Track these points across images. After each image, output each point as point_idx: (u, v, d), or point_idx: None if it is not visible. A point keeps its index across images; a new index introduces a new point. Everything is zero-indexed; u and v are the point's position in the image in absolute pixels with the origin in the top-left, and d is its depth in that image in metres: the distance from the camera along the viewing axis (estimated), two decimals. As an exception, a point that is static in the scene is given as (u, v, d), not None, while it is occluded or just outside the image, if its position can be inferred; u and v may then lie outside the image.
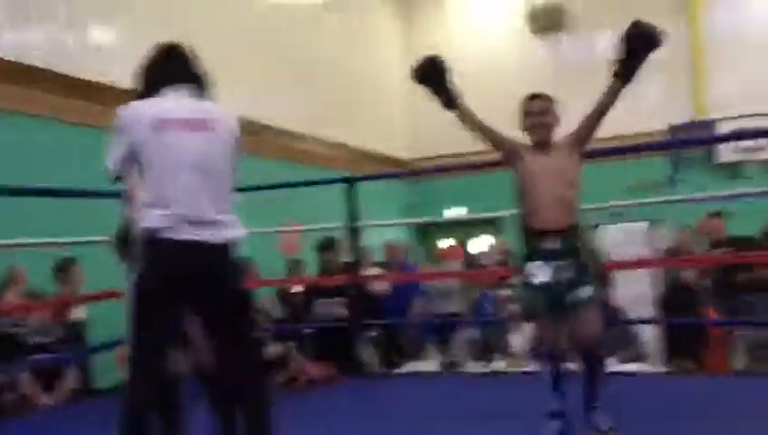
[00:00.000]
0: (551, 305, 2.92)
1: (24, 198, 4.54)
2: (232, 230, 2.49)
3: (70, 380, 4.88)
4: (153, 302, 2.40)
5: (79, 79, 6.17)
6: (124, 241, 2.88)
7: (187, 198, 2.40)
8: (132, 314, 2.42)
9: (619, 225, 7.15)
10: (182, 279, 2.41)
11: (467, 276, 6.61)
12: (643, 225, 6.58)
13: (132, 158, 2.46)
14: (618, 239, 6.56)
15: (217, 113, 2.55)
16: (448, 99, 3.21)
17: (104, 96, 6.27)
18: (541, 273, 2.91)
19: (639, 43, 3.02)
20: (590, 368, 2.95)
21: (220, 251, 2.46)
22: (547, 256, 2.91)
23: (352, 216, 4.72)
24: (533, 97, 3.14)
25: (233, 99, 8.07)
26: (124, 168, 2.52)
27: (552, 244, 2.91)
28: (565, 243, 2.90)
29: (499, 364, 4.93)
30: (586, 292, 2.87)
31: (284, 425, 3.55)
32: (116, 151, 2.48)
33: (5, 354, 4.52)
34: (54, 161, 5.58)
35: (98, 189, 4.50)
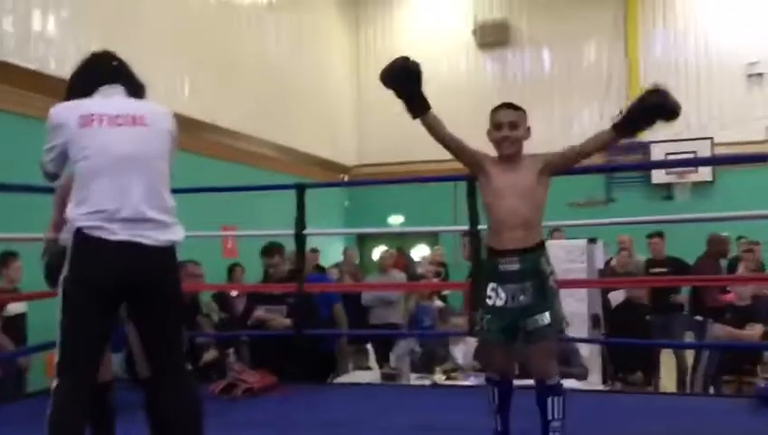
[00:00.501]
0: (504, 330, 2.75)
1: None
2: (172, 231, 2.40)
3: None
4: (82, 305, 2.30)
5: (18, 67, 5.97)
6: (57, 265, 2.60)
7: (117, 194, 2.31)
8: (60, 318, 2.32)
9: (559, 241, 7.29)
10: (116, 282, 2.31)
11: (414, 287, 6.63)
12: (581, 242, 6.72)
13: (64, 157, 2.39)
14: (558, 256, 6.68)
15: (150, 109, 2.49)
16: (419, 105, 3.01)
17: (44, 85, 6.08)
18: (496, 295, 2.74)
19: (654, 111, 2.83)
20: (543, 396, 2.73)
21: (161, 254, 2.37)
22: (504, 278, 2.74)
23: (300, 223, 4.66)
24: (504, 107, 2.94)
25: (174, 95, 8.01)
26: (57, 167, 2.46)
27: (509, 265, 2.73)
28: (524, 264, 2.71)
29: (439, 377, 4.94)
30: (543, 319, 2.68)
31: (220, 433, 3.49)
32: (48, 151, 2.41)
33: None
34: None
35: (40, 184, 4.36)
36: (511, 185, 2.81)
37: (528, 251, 2.73)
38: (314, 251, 6.41)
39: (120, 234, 2.28)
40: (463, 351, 5.32)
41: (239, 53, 9.23)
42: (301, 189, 4.67)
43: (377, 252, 11.12)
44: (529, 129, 2.92)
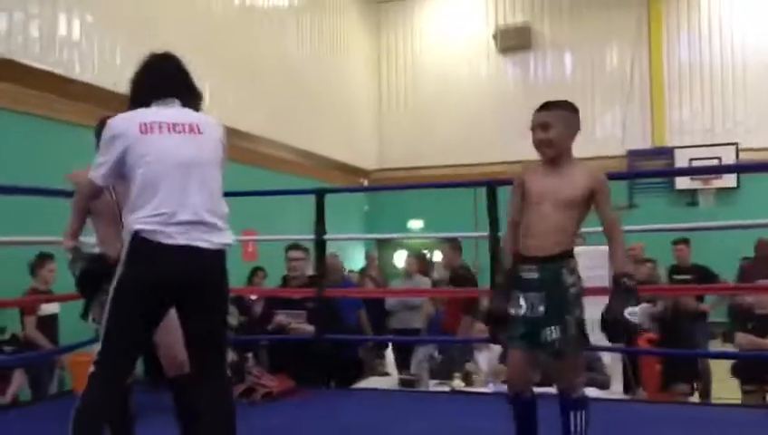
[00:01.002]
0: (524, 337, 2.63)
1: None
2: (225, 235, 2.46)
3: (17, 382, 4.73)
4: (132, 306, 2.33)
5: (43, 71, 6.05)
6: (94, 275, 2.68)
7: (176, 198, 2.35)
8: (108, 315, 2.34)
9: (579, 248, 7.23)
10: (171, 284, 2.35)
11: (436, 293, 6.60)
12: (603, 248, 6.64)
13: (119, 167, 2.41)
14: (580, 263, 6.61)
15: (203, 119, 2.53)
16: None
17: (68, 90, 6.16)
18: (517, 304, 2.65)
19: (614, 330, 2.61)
20: (567, 409, 2.64)
21: (215, 257, 2.42)
22: (524, 286, 2.64)
23: (320, 228, 4.66)
24: (540, 108, 2.73)
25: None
26: (107, 180, 2.49)
27: (529, 273, 2.62)
28: (543, 273, 2.59)
29: (458, 383, 4.90)
30: (552, 333, 2.56)
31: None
32: (101, 164, 2.44)
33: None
34: (19, 156, 5.47)
35: (62, 188, 4.43)
36: (549, 190, 2.66)
37: (548, 260, 2.61)
38: (334, 256, 6.42)
39: (177, 238, 2.32)
40: (487, 357, 5.28)
41: (260, 56, 9.26)
42: (320, 195, 4.67)
43: (396, 256, 11.13)
44: (573, 125, 2.71)
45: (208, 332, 2.47)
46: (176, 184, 2.36)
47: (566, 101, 2.76)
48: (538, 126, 2.70)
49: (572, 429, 2.62)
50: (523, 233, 2.71)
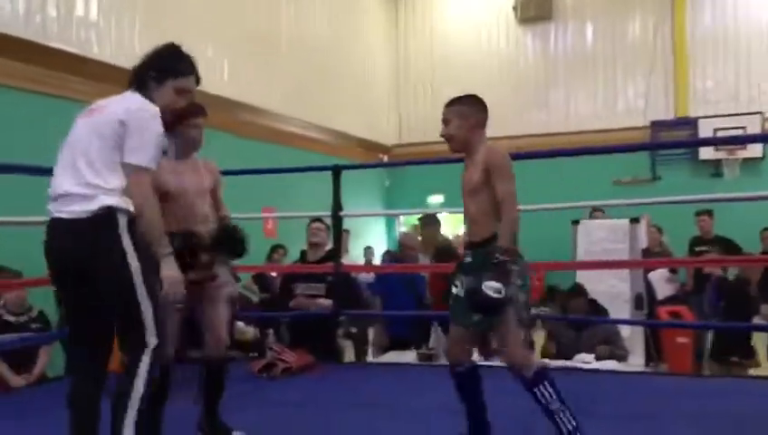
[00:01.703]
0: (460, 317, 2.79)
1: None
2: (94, 202, 2.35)
3: (42, 361, 4.82)
4: (59, 291, 2.48)
5: (61, 51, 6.08)
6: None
7: (57, 175, 2.44)
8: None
9: (600, 221, 7.18)
10: (49, 260, 2.44)
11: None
12: (623, 222, 6.60)
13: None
14: (599, 236, 6.58)
15: (119, 101, 2.53)
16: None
17: (85, 69, 6.20)
18: (459, 285, 2.81)
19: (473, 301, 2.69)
20: (527, 389, 2.70)
21: (76, 226, 2.35)
22: (463, 270, 2.81)
23: (337, 204, 4.67)
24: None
25: (213, 77, 8.04)
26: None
27: (466, 257, 2.81)
28: (476, 258, 2.73)
29: (477, 358, 4.91)
30: (490, 290, 2.57)
31: (258, 411, 3.55)
32: None
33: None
34: (33, 135, 5.50)
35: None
36: (464, 182, 2.84)
37: (478, 246, 2.75)
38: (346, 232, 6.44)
39: (51, 214, 2.41)
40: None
41: (277, 32, 9.24)
42: (336, 171, 4.67)
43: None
44: (470, 118, 2.82)
45: (87, 304, 2.43)
46: (60, 163, 2.46)
47: (466, 96, 2.90)
48: (442, 122, 2.88)
49: (543, 402, 2.67)
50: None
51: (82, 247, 2.35)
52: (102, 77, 6.21)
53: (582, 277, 5.99)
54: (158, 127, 2.46)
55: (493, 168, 2.72)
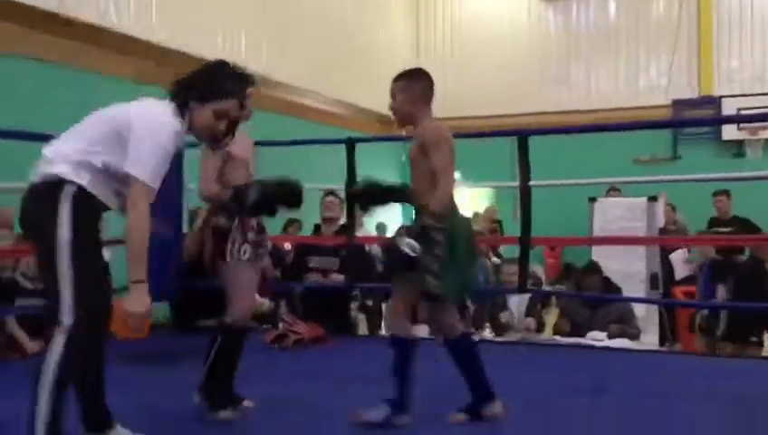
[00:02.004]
0: (405, 284, 2.89)
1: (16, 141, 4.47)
2: (53, 167, 2.33)
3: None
4: None
5: (77, 20, 6.08)
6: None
7: None
8: None
9: (617, 199, 7.12)
10: None
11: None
12: (641, 201, 6.54)
13: None
14: (616, 214, 6.54)
15: (144, 104, 2.49)
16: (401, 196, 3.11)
17: (101, 39, 6.20)
18: (410, 250, 2.81)
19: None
20: (451, 353, 2.92)
21: (35, 187, 2.35)
22: (413, 237, 2.85)
23: (351, 177, 4.66)
24: None
25: (232, 50, 8.00)
26: None
27: (413, 226, 2.93)
28: (416, 224, 2.88)
29: (488, 333, 4.93)
30: (425, 282, 2.75)
31: (269, 381, 3.58)
32: None
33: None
34: (54, 106, 5.56)
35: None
36: (409, 153, 2.99)
37: (420, 215, 2.89)
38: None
39: None
40: (516, 302, 5.31)
41: (297, 6, 9.17)
42: (350, 144, 4.66)
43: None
44: (412, 92, 2.99)
45: (40, 262, 2.41)
46: None
47: (412, 70, 3.12)
48: (390, 97, 3.06)
49: (460, 365, 2.92)
50: None
51: (25, 212, 2.38)
52: (118, 46, 6.24)
53: (598, 255, 5.96)
54: (164, 141, 2.35)
55: (427, 142, 2.88)
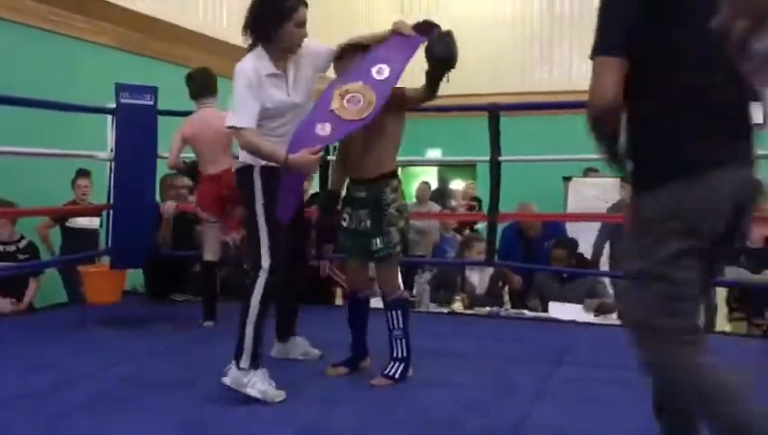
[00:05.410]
0: (354, 251, 3.16)
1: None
2: None
3: (32, 289, 4.93)
4: None
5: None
6: None
7: None
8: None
9: (591, 179, 7.21)
10: None
11: (444, 217, 6.65)
12: (615, 181, 6.62)
13: None
14: (590, 195, 6.62)
15: None
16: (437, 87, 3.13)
17: (88, 8, 6.20)
18: (348, 219, 3.12)
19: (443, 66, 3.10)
20: (386, 309, 3.13)
21: None
22: (354, 204, 3.12)
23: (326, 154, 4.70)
24: None
25: (214, 21, 7.95)
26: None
27: (358, 192, 3.11)
28: (369, 193, 3.06)
29: (457, 305, 5.01)
30: (376, 243, 3.03)
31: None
32: None
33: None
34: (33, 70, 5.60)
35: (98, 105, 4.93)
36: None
37: (372, 181, 3.07)
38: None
39: None
40: (478, 277, 5.40)
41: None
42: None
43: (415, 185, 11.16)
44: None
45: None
46: None
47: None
48: None
49: (391, 325, 3.11)
50: (348, 158, 3.23)
51: None
52: (106, 16, 6.24)
53: (571, 234, 6.05)
54: (240, 85, 2.81)
55: (397, 101, 3.25)
